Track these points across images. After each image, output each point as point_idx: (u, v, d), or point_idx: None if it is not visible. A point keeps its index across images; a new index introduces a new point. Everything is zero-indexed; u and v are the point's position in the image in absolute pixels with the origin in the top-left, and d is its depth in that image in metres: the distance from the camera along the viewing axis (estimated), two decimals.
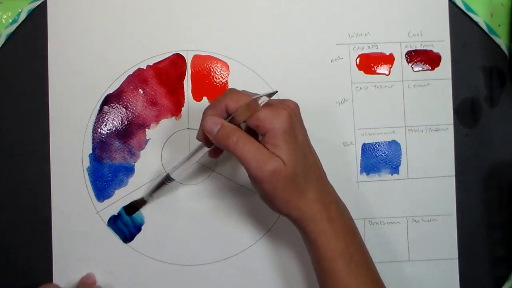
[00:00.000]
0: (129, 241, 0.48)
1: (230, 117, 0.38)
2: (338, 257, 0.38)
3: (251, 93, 0.39)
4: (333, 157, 0.48)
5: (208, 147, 0.41)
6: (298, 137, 0.38)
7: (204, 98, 0.48)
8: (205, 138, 0.39)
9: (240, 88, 0.48)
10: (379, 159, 0.49)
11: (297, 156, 0.37)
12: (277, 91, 0.38)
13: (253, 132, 0.39)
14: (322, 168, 0.41)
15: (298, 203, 0.38)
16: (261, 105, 0.37)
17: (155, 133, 0.48)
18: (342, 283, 0.38)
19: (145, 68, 0.48)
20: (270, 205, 0.39)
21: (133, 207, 0.47)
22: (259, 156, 0.36)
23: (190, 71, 0.48)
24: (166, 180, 0.44)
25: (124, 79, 0.48)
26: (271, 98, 0.38)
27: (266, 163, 0.36)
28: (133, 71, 0.48)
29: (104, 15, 0.48)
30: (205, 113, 0.39)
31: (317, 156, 0.41)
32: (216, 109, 0.39)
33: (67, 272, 0.47)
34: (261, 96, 0.37)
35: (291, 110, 0.38)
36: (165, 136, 0.48)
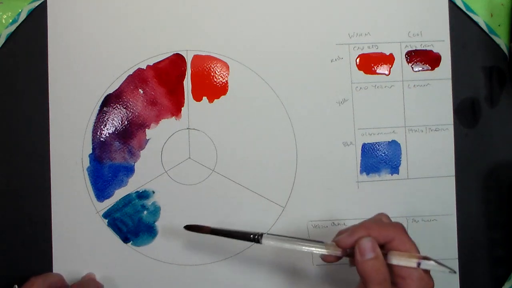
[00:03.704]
0: (129, 241, 0.48)
1: (385, 251, 0.36)
2: None
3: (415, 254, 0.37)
4: (333, 157, 0.48)
5: (336, 254, 0.38)
6: None
7: (204, 98, 0.48)
8: (346, 247, 0.37)
9: (240, 88, 0.48)
10: (379, 159, 0.49)
11: None
12: (455, 272, 0.37)
13: None
14: None
15: None
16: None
17: (155, 133, 0.48)
18: None
19: (145, 68, 0.48)
20: None
21: (196, 228, 0.43)
22: None
23: (190, 71, 0.48)
24: (255, 238, 0.40)
25: (124, 79, 0.48)
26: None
27: None
28: (133, 71, 0.48)
29: (104, 15, 0.48)
30: (363, 228, 0.37)
31: None
32: (374, 232, 0.37)
33: (67, 272, 0.47)
34: (440, 262, 0.36)
35: None
36: (165, 136, 0.48)
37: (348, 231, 0.37)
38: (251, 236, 0.40)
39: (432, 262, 0.35)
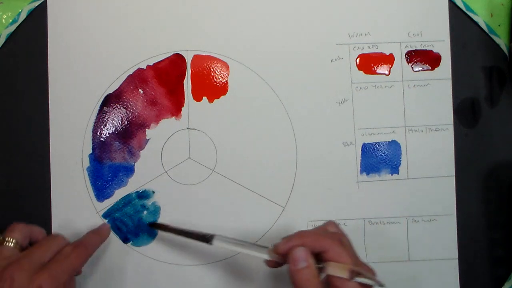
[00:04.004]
0: (129, 241, 0.48)
1: (318, 260, 0.37)
2: None
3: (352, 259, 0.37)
4: (333, 157, 0.48)
5: (273, 260, 0.39)
6: None
7: (204, 98, 0.48)
8: (281, 253, 0.38)
9: (240, 88, 0.48)
10: (379, 159, 0.49)
11: None
12: (383, 286, 0.37)
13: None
14: None
15: None
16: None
17: (155, 133, 0.48)
18: None
19: (145, 68, 0.48)
20: None
21: (157, 225, 0.47)
22: None
23: (190, 71, 0.48)
24: (205, 239, 0.42)
25: (124, 79, 0.48)
26: None
27: None
28: (133, 71, 0.48)
29: (104, 15, 0.48)
30: (298, 236, 0.38)
31: None
32: (309, 240, 0.37)
33: None
34: (369, 276, 0.36)
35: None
36: (165, 136, 0.48)
37: (287, 238, 0.38)
38: (203, 236, 0.42)
39: (362, 279, 0.36)
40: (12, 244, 0.40)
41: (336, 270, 0.36)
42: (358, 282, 0.36)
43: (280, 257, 0.38)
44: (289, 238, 0.38)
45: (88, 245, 0.42)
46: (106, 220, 0.47)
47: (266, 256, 0.39)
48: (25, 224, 0.42)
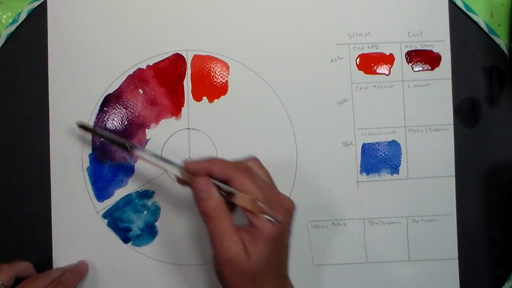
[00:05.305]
0: (129, 241, 0.48)
1: (224, 186, 0.37)
2: None
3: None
4: (333, 157, 0.48)
5: (183, 179, 0.39)
6: (282, 243, 0.37)
7: (204, 98, 0.48)
8: (188, 172, 0.38)
9: (240, 88, 0.48)
10: (379, 159, 0.49)
11: (268, 259, 0.36)
12: (280, 221, 0.37)
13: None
14: (288, 263, 0.40)
15: None
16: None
17: (155, 133, 0.48)
18: None
19: (145, 68, 0.48)
20: (223, 285, 0.38)
21: (85, 127, 0.46)
22: (228, 241, 0.36)
23: (190, 71, 0.48)
24: (126, 147, 0.42)
25: (124, 79, 0.48)
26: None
27: (230, 250, 0.35)
28: (133, 71, 0.48)
29: (104, 15, 0.48)
30: (207, 161, 0.38)
31: (289, 252, 0.40)
32: (216, 168, 0.38)
33: None
34: (267, 209, 0.36)
35: (288, 216, 0.38)
36: (165, 136, 0.48)
37: (198, 160, 0.39)
38: (125, 144, 0.42)
39: (262, 206, 0.36)
40: None
41: (240, 199, 0.37)
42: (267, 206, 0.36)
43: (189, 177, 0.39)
44: (200, 161, 0.38)
45: (67, 283, 0.44)
46: (106, 220, 0.47)
47: (177, 173, 0.39)
48: (10, 264, 0.43)
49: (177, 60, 0.48)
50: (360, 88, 0.49)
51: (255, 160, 0.40)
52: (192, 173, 0.38)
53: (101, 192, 0.48)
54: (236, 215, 0.38)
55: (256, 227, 0.36)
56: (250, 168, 0.39)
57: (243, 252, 0.36)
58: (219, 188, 0.37)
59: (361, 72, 0.49)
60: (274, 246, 0.37)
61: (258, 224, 0.36)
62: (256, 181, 0.37)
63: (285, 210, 0.38)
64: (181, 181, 0.40)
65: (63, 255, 0.47)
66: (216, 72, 0.48)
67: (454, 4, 0.49)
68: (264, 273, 0.37)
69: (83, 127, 0.45)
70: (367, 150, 0.49)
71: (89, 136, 0.48)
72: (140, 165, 0.48)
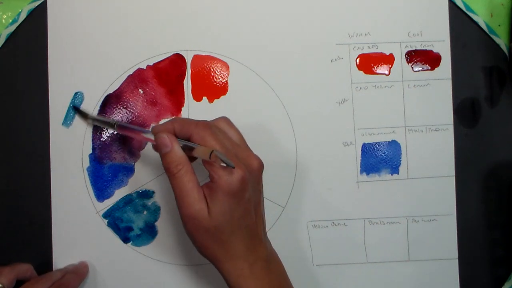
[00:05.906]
0: (129, 241, 0.48)
1: (186, 142, 0.38)
2: None
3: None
4: (333, 157, 0.48)
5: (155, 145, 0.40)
6: (242, 198, 0.37)
7: (204, 98, 0.48)
8: (154, 133, 0.39)
9: (240, 88, 0.48)
10: (379, 159, 0.49)
11: (230, 215, 0.37)
12: (234, 167, 0.36)
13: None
14: (264, 224, 0.40)
15: (218, 255, 0.38)
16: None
17: None
18: None
19: (145, 68, 0.48)
20: (193, 243, 0.39)
21: (80, 111, 0.47)
22: (190, 197, 0.36)
23: (190, 71, 0.48)
24: (113, 126, 0.44)
25: (124, 79, 0.48)
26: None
27: (192, 206, 0.36)
28: (133, 71, 0.48)
29: (104, 15, 0.48)
30: (170, 121, 0.39)
31: (263, 214, 0.40)
32: (178, 125, 0.38)
33: None
34: (222, 157, 0.36)
35: (250, 172, 0.38)
36: None
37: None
38: (109, 123, 0.45)
39: (217, 153, 0.36)
40: None
41: (198, 151, 0.37)
42: (225, 167, 0.36)
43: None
44: (165, 122, 0.39)
45: (68, 285, 0.44)
46: (106, 220, 0.47)
47: (151, 138, 0.40)
48: (10, 266, 0.43)
49: (177, 60, 0.48)
50: (360, 88, 0.49)
51: (225, 119, 0.41)
52: (154, 133, 0.39)
53: (101, 192, 0.48)
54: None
55: (215, 181, 0.36)
56: (211, 124, 0.39)
57: (204, 208, 0.36)
58: (186, 148, 0.38)
59: (361, 72, 0.49)
60: (233, 201, 0.36)
61: (215, 176, 0.36)
62: (216, 135, 0.38)
63: (247, 164, 0.38)
64: (155, 147, 0.41)
65: (63, 255, 0.47)
66: (216, 72, 0.48)
67: (454, 4, 0.49)
68: (229, 230, 0.37)
69: (76, 109, 0.47)
70: (367, 150, 0.49)
71: (89, 136, 0.48)
72: (140, 165, 0.48)
